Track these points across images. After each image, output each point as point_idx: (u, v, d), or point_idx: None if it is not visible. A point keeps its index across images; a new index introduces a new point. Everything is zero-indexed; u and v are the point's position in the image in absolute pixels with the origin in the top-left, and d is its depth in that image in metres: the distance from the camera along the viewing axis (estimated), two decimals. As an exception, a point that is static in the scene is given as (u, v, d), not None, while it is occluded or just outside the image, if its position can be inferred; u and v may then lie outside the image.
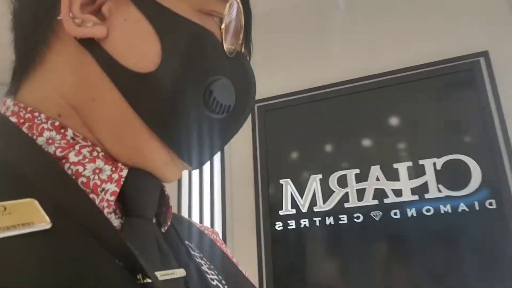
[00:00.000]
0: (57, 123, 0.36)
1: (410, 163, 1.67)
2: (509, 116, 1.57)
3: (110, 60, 0.36)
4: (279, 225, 1.82)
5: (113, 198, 0.35)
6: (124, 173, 0.37)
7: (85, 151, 0.36)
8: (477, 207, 1.55)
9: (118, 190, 0.36)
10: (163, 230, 0.42)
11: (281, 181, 1.86)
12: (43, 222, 0.29)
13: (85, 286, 0.28)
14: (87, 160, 0.36)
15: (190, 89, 0.38)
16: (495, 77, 1.62)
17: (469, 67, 1.66)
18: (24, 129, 0.36)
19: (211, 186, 2.04)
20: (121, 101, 0.37)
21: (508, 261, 1.47)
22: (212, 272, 0.44)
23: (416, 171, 1.66)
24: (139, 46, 0.37)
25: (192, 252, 0.44)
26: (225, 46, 0.40)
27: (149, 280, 0.31)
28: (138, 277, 0.31)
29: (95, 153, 0.37)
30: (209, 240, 0.52)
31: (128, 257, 0.31)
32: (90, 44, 0.37)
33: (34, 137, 0.36)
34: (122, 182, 0.36)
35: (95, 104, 0.37)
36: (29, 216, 0.28)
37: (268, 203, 1.86)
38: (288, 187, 1.85)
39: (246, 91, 0.43)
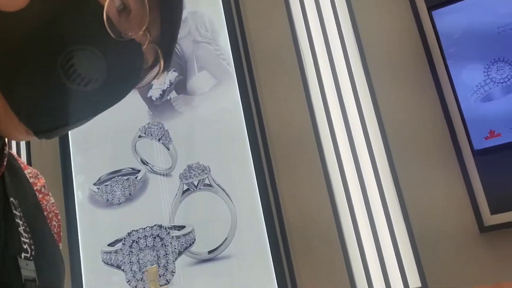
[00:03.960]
0: None
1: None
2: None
3: None
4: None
5: None
6: None
7: None
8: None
9: None
10: None
11: None
12: None
13: None
14: None
15: (45, 46, 0.35)
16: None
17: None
18: None
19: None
20: None
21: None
22: (26, 235, 0.43)
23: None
24: None
25: (14, 211, 0.43)
26: (106, 21, 0.37)
27: None
28: None
29: None
30: (33, 196, 0.51)
31: None
32: None
33: None
34: None
35: None
36: None
37: None
38: None
39: (122, 78, 0.40)
